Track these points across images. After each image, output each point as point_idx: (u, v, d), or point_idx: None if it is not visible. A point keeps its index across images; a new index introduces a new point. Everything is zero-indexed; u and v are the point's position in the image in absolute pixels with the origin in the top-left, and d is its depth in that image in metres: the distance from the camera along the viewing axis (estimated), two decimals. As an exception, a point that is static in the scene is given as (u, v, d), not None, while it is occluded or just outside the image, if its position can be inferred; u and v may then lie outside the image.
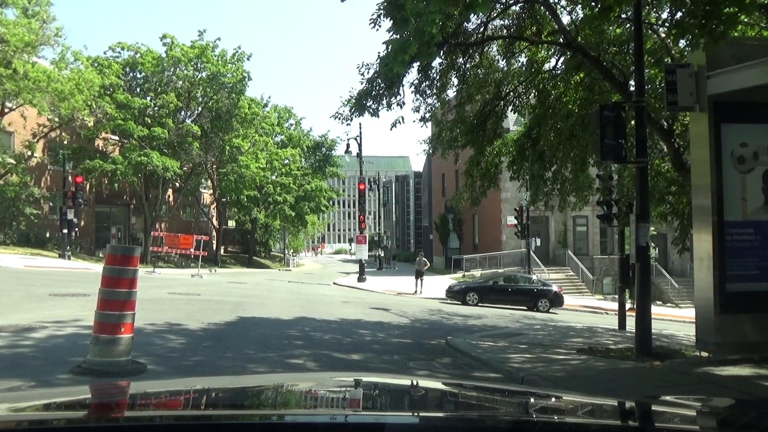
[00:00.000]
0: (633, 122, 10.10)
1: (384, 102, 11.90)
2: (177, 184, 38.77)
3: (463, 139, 14.56)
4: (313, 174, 48.60)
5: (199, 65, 36.06)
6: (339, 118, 12.99)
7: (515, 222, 29.01)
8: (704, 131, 8.05)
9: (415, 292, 25.93)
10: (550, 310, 22.31)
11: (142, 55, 35.69)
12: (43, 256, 27.29)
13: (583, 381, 7.23)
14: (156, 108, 34.90)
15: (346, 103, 12.73)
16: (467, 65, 13.66)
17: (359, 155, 33.65)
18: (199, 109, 37.97)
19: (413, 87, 13.30)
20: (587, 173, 14.73)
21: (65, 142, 32.78)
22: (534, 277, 26.13)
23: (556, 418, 1.99)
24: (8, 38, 24.56)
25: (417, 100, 13.74)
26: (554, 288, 23.77)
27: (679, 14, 9.40)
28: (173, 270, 31.84)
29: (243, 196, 40.12)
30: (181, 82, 35.80)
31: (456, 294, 23.58)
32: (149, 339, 8.27)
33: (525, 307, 22.44)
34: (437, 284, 28.59)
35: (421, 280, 26.54)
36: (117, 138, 35.18)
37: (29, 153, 29.24)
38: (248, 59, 37.06)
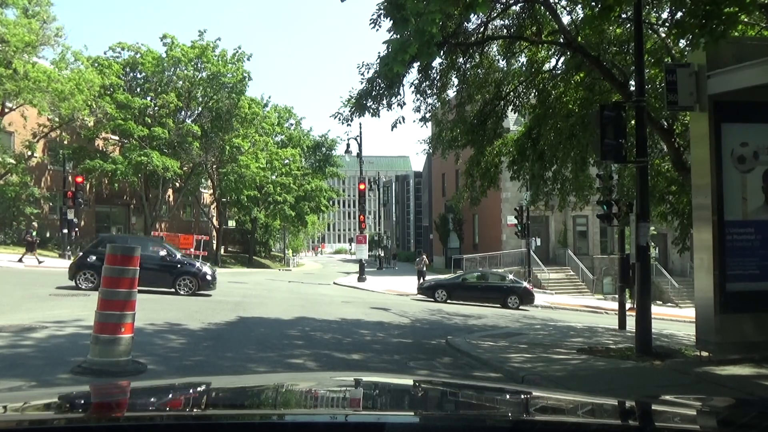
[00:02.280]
0: (633, 122, 10.10)
1: (384, 102, 11.90)
2: (177, 184, 38.77)
3: (463, 139, 14.55)
4: (313, 174, 48.55)
5: (199, 65, 36.05)
6: (339, 118, 12.99)
7: (515, 222, 28.99)
8: (704, 131, 8.05)
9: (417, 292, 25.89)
10: (520, 307, 22.04)
11: (142, 55, 35.68)
12: (44, 256, 27.27)
13: (583, 381, 7.22)
14: (156, 108, 34.90)
15: (346, 103, 12.73)
16: (467, 65, 13.65)
17: (359, 155, 33.63)
18: (199, 109, 37.96)
19: (413, 87, 13.31)
20: (587, 173, 14.72)
21: (65, 142, 32.78)
22: (506, 274, 25.87)
23: (556, 417, 1.99)
24: (8, 38, 24.57)
25: (417, 100, 13.74)
26: (524, 284, 23.47)
27: (679, 14, 9.41)
28: (173, 270, 31.78)
29: (243, 196, 40.10)
30: (181, 82, 35.79)
31: (426, 290, 23.73)
32: (149, 339, 8.28)
33: (497, 304, 22.02)
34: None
35: (424, 280, 26.51)
36: (117, 138, 35.19)
37: (29, 153, 29.24)
38: (248, 59, 37.09)
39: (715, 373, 7.51)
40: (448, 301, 22.44)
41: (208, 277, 16.49)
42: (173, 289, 15.89)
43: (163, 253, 16.28)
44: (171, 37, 35.65)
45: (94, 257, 14.83)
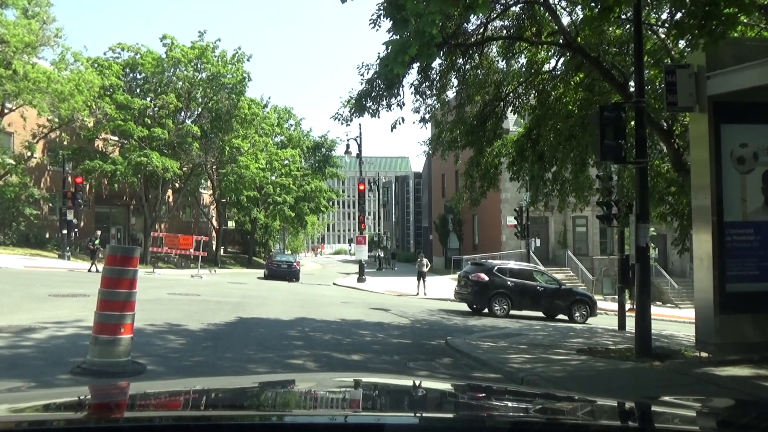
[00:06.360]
0: (633, 123, 10.10)
1: (384, 102, 11.90)
2: (177, 185, 38.77)
3: (463, 139, 14.55)
4: (313, 174, 48.56)
5: (199, 66, 36.07)
6: (339, 119, 13.01)
7: (515, 222, 28.97)
8: (704, 132, 8.05)
9: (417, 293, 25.89)
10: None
11: (142, 55, 35.70)
12: (43, 256, 27.31)
13: (583, 381, 7.22)
14: (156, 108, 34.91)
15: (346, 103, 12.74)
16: (467, 66, 13.66)
17: (359, 156, 33.60)
18: (199, 109, 37.98)
19: (413, 88, 13.31)
20: (587, 174, 14.72)
21: (65, 143, 32.79)
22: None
23: (556, 418, 1.99)
24: (8, 39, 24.59)
25: (417, 100, 13.76)
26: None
27: (678, 15, 9.41)
28: (173, 270, 31.82)
29: (243, 196, 40.12)
30: (181, 83, 35.81)
31: None
32: (149, 339, 8.27)
33: None
34: (437, 285, 28.59)
35: (423, 281, 26.49)
36: (117, 138, 35.21)
37: (29, 154, 29.25)
38: (248, 60, 37.11)
39: (714, 374, 7.51)
40: None
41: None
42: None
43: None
44: (171, 37, 35.67)
45: None
